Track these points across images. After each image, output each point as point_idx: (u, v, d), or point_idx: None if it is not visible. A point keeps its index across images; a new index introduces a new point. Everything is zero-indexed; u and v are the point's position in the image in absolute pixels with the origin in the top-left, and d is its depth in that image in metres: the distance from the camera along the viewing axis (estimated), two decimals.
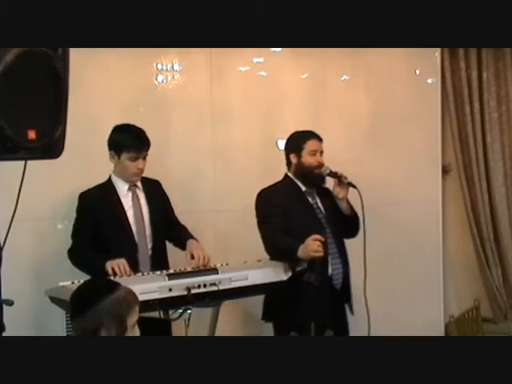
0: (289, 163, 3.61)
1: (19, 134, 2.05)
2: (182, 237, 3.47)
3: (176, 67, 4.12)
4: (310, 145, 3.55)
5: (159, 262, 3.39)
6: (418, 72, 4.51)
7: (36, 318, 3.64)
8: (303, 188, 3.58)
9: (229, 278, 3.15)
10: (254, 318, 3.83)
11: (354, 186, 3.47)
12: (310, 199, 3.58)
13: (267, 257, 3.52)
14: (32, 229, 3.66)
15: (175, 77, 4.13)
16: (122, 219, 3.39)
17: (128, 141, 3.35)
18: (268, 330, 3.63)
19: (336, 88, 4.41)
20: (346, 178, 3.49)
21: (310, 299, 3.28)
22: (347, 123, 4.42)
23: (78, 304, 2.15)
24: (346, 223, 3.58)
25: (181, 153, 4.10)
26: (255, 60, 4.27)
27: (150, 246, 3.44)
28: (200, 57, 4.12)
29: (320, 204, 3.60)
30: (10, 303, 2.28)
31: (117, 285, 2.20)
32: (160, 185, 3.61)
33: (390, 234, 4.41)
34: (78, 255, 3.36)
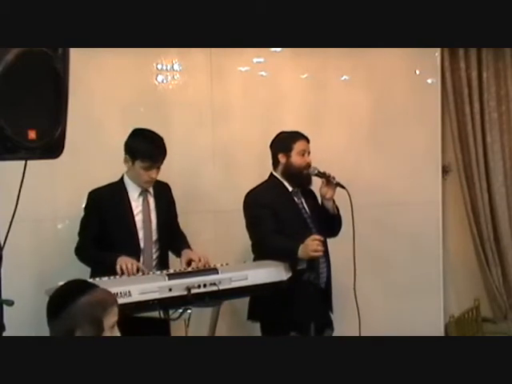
0: (276, 163, 3.62)
1: (19, 133, 2.04)
2: (179, 245, 3.47)
3: (176, 67, 4.12)
4: (299, 145, 3.57)
5: (163, 266, 3.39)
6: (417, 72, 4.51)
7: (36, 318, 3.62)
8: (290, 188, 3.59)
9: (229, 278, 3.15)
10: None
11: (343, 187, 3.48)
12: (296, 199, 3.60)
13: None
14: (32, 229, 3.66)
15: (175, 77, 4.13)
16: (130, 222, 3.37)
17: (144, 149, 3.30)
18: None
19: (336, 88, 4.41)
20: (334, 178, 3.51)
21: (309, 299, 3.28)
22: (347, 123, 4.42)
23: (53, 306, 2.15)
24: (330, 223, 3.59)
25: (181, 153, 4.09)
26: (255, 60, 4.27)
27: (154, 251, 3.43)
28: (200, 57, 4.12)
29: (305, 204, 3.62)
30: (10, 303, 2.28)
31: (93, 286, 2.19)
32: (169, 188, 3.58)
33: (390, 234, 4.42)
34: (84, 253, 3.37)
